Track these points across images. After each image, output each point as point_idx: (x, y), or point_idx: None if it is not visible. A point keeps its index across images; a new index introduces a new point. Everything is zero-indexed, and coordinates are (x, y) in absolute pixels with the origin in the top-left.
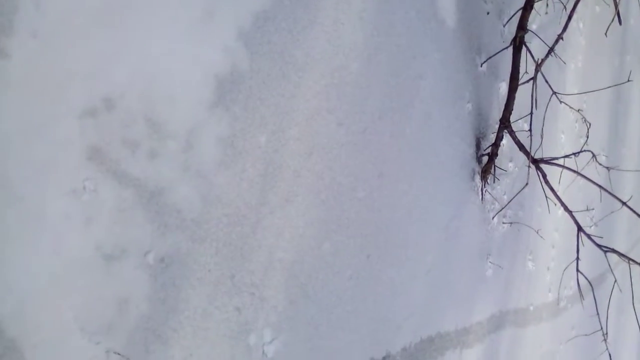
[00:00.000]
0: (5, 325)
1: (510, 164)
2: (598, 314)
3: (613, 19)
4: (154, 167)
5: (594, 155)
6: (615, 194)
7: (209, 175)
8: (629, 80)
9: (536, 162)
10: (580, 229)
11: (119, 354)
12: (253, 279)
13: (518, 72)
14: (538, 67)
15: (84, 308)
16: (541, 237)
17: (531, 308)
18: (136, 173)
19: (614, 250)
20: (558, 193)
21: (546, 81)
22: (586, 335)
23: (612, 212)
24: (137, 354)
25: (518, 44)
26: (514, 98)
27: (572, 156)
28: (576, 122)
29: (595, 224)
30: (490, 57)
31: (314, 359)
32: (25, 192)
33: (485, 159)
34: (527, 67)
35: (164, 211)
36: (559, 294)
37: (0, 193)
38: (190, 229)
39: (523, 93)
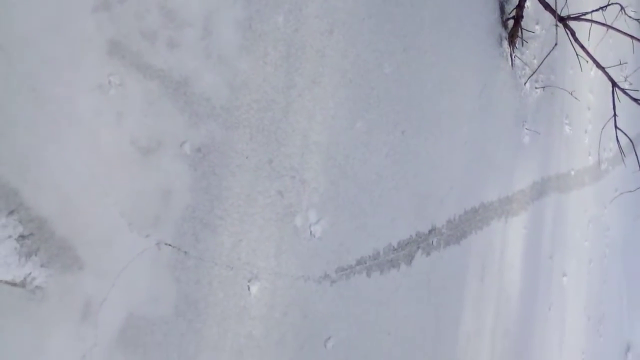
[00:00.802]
0: (55, 226)
1: (537, 27)
2: None
3: None
4: (176, 56)
5: (622, 8)
6: None
7: (231, 60)
8: None
9: (563, 20)
10: (614, 84)
11: (170, 245)
12: (291, 162)
13: None
14: None
15: (128, 203)
16: (576, 98)
17: (572, 173)
18: (159, 64)
19: None
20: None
21: None
22: (630, 192)
23: None
24: (187, 244)
25: None
26: None
27: (600, 10)
28: None
29: (630, 82)
30: None
31: (361, 237)
32: (53, 92)
33: (511, 23)
34: None
35: (192, 100)
36: (599, 156)
37: (30, 95)
38: (221, 116)
39: None
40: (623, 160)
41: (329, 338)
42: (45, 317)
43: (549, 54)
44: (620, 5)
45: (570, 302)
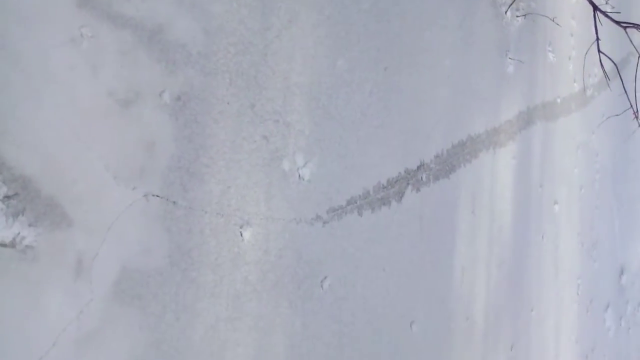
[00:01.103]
0: (40, 184)
1: None
2: (626, 91)
3: None
4: (147, 4)
5: None
6: None
7: (205, 4)
8: None
9: None
10: (595, 7)
11: (157, 195)
12: (274, 106)
13: None
14: None
15: (112, 156)
16: (557, 24)
17: (558, 100)
18: (130, 12)
19: (634, 25)
20: None
21: None
22: (617, 115)
23: None
24: (175, 194)
25: None
26: None
27: None
28: None
29: (612, 6)
30: None
31: (350, 176)
32: (24, 49)
33: None
34: None
35: (167, 48)
36: (584, 82)
37: (1, 54)
38: (199, 63)
39: None
40: (608, 84)
41: (325, 278)
42: (38, 276)
43: None
44: None
45: (563, 229)
